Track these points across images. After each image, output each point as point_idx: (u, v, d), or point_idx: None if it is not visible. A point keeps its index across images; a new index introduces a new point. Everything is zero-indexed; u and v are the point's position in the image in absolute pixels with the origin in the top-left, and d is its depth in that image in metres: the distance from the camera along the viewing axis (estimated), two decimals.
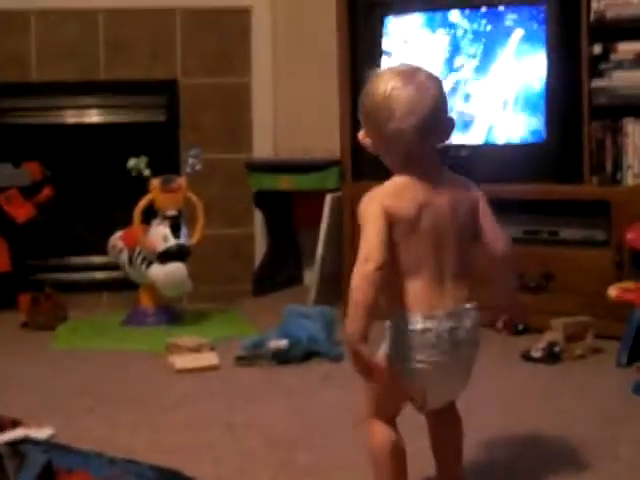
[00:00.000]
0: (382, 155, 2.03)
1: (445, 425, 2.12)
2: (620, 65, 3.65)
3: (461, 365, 2.01)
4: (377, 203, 1.94)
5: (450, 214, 1.99)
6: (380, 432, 2.03)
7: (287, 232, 4.85)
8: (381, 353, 1.99)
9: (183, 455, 2.43)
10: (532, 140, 3.78)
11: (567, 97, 3.72)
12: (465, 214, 2.02)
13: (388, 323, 1.99)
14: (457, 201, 2.01)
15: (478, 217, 2.04)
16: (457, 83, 3.91)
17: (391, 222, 1.93)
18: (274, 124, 4.82)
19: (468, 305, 1.99)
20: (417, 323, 1.94)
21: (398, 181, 2.00)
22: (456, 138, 3.87)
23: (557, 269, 3.65)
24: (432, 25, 3.98)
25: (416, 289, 1.95)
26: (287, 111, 4.81)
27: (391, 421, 2.04)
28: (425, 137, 1.96)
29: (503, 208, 3.73)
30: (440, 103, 1.98)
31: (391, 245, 1.93)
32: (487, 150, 3.87)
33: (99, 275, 4.74)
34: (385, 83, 1.96)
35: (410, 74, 1.97)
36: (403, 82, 1.95)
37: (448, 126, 2.02)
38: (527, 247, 3.72)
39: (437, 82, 2.00)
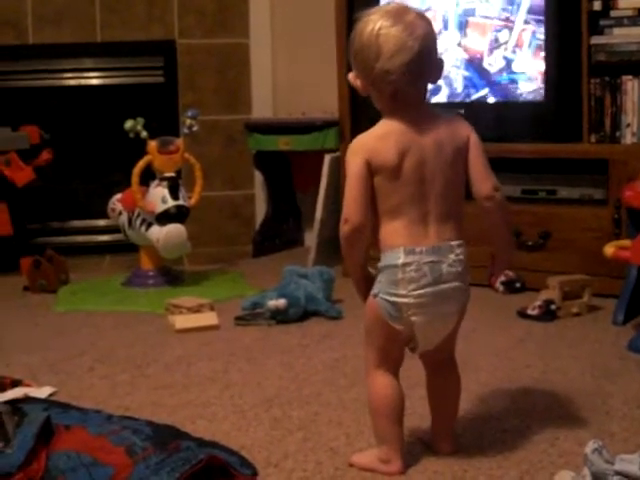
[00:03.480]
0: (372, 97, 2.03)
1: (442, 378, 2.14)
2: (620, 22, 3.63)
3: (446, 301, 2.00)
4: (360, 157, 1.97)
5: (436, 155, 1.98)
6: (381, 380, 2.05)
7: (287, 193, 4.86)
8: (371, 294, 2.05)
9: (180, 413, 2.46)
10: (531, 98, 3.77)
11: (566, 54, 3.70)
12: (453, 154, 2.00)
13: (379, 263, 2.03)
14: (444, 141, 2.00)
15: (468, 156, 2.03)
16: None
17: (373, 172, 1.96)
18: (273, 84, 4.81)
19: (453, 242, 2.00)
20: (398, 258, 1.97)
21: (383, 126, 2.01)
22: (456, 96, 3.91)
23: (555, 228, 3.66)
24: None
25: (399, 228, 1.98)
26: (286, 71, 4.80)
27: (394, 373, 2.06)
28: (412, 78, 1.96)
29: (501, 167, 3.76)
30: (429, 43, 1.97)
31: (373, 192, 1.97)
32: (485, 108, 3.86)
33: (101, 238, 4.77)
34: (373, 23, 1.95)
35: (399, 13, 1.96)
36: (391, 21, 1.94)
37: (437, 67, 2.01)
38: (525, 206, 3.73)
39: (426, 21, 1.99)
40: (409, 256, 1.96)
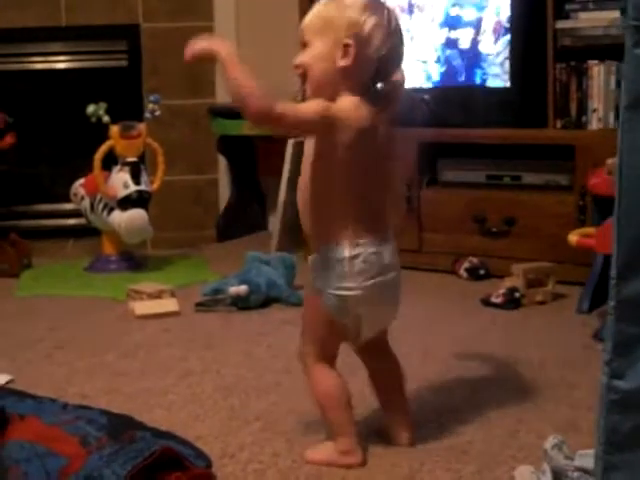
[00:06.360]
0: (345, 70, 1.95)
1: (381, 362, 2.13)
2: (586, 6, 3.61)
3: (389, 290, 2.02)
4: (331, 107, 1.93)
5: (385, 146, 2.00)
6: (323, 373, 2.04)
7: (251, 178, 4.82)
8: (310, 289, 2.04)
9: (137, 401, 2.42)
10: (496, 83, 3.74)
11: (532, 39, 3.68)
12: (392, 148, 2.03)
13: (315, 257, 2.00)
14: (389, 134, 2.01)
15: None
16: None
17: (338, 128, 1.92)
18: None
19: (388, 231, 2.02)
20: (344, 252, 1.95)
21: (353, 99, 1.96)
22: (420, 81, 3.88)
23: (520, 214, 3.64)
24: None
25: (344, 219, 1.96)
26: (250, 55, 4.73)
27: (331, 362, 2.05)
28: (397, 63, 1.99)
29: (466, 152, 3.77)
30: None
31: (328, 162, 1.95)
32: (450, 93, 3.83)
33: (66, 221, 4.71)
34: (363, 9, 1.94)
35: (383, 5, 1.99)
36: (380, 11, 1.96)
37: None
38: (490, 192, 3.72)
39: None
40: (355, 249, 1.95)
